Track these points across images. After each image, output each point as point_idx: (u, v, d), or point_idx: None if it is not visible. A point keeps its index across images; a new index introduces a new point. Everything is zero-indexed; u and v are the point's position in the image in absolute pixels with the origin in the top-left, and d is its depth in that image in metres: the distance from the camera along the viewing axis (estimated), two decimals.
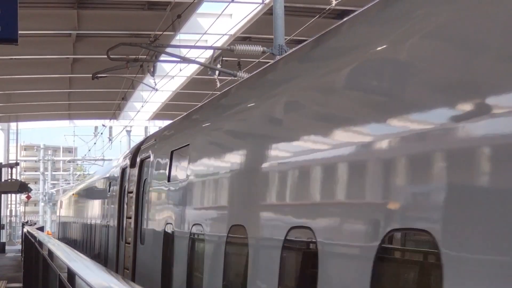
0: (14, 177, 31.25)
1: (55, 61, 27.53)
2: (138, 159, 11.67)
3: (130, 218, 12.05)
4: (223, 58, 16.93)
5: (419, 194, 3.61)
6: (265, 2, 16.10)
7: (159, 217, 9.65)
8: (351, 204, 4.31)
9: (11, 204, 58.58)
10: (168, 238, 8.89)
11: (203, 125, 8.36)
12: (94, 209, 19.47)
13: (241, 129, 6.80)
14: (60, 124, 46.72)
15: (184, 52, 21.81)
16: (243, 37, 22.95)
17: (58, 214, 41.83)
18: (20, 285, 17.35)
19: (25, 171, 78.69)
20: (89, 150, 58.09)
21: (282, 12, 14.58)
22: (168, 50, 17.77)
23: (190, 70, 28.11)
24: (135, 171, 11.68)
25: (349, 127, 4.44)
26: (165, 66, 26.78)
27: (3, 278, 21.33)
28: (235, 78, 16.05)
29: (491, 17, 3.32)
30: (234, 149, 6.83)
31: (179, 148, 8.82)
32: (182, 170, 8.50)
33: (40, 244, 10.74)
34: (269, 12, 17.73)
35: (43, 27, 22.45)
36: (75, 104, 37.02)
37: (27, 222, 50.86)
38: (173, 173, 9.04)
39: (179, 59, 18.70)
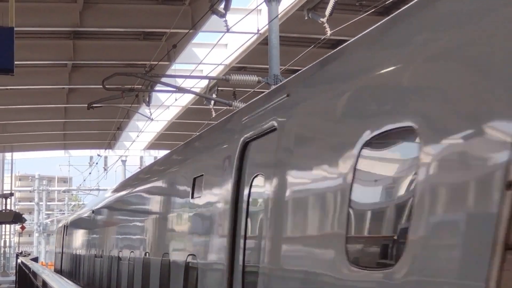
0: (8, 207, 31.07)
1: (50, 91, 27.54)
2: None
3: None
4: (219, 88, 16.97)
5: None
6: (260, 32, 16.16)
7: None
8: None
9: (5, 234, 58.29)
10: None
11: None
12: None
13: None
14: (55, 154, 46.60)
15: (179, 82, 21.83)
16: (238, 67, 23.01)
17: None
18: None
19: (19, 201, 78.37)
20: (84, 180, 57.92)
21: (277, 42, 14.65)
22: (164, 80, 17.77)
23: (185, 100, 28.13)
24: None
25: None
26: (160, 95, 26.80)
27: None
28: (231, 107, 16.04)
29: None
30: None
31: None
32: None
33: (34, 275, 10.66)
34: (264, 42, 17.79)
35: (39, 57, 22.47)
36: (71, 134, 36.95)
37: (21, 252, 50.52)
38: None
39: (174, 89, 18.72)
